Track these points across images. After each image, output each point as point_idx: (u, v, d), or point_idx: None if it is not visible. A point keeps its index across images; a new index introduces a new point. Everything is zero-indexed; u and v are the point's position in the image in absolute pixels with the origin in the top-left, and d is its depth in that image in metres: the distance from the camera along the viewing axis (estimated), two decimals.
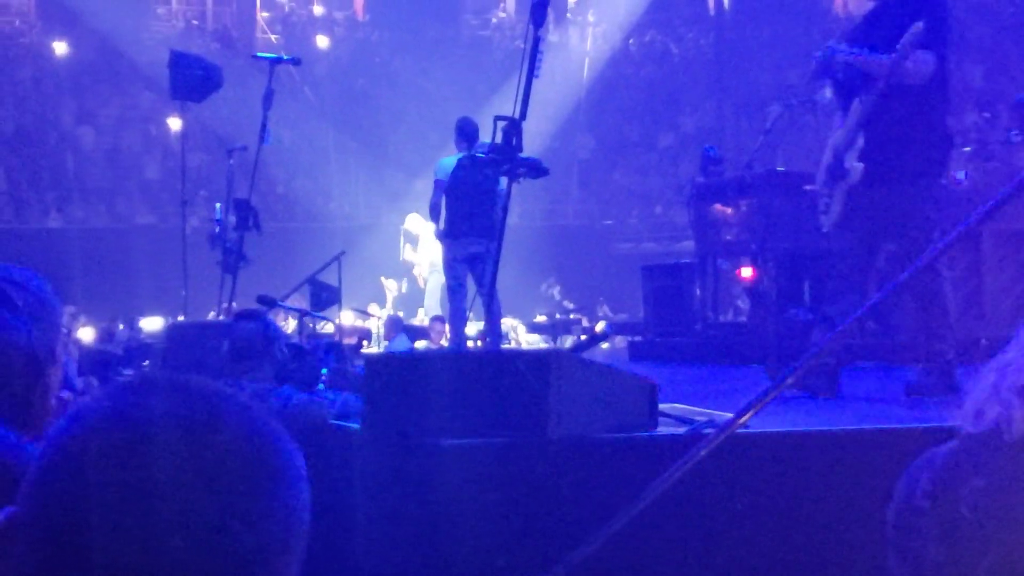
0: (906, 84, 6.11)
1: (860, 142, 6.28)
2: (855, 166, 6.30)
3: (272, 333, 6.42)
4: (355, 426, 4.87)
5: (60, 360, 2.01)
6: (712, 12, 26.70)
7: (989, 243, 9.40)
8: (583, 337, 15.50)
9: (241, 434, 1.13)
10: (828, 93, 6.71)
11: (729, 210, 11.05)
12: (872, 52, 6.22)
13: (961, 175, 10.87)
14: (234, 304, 9.36)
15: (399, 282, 20.44)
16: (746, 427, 3.69)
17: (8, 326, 1.92)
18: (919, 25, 5.93)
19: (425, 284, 18.97)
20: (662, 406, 4.61)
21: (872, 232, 6.42)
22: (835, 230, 6.57)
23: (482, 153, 8.36)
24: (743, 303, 14.25)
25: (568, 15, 29.01)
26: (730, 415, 3.87)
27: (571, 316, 19.92)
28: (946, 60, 6.20)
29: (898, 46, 5.99)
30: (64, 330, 2.52)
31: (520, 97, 5.64)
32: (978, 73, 22.89)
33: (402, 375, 4.43)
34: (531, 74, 5.60)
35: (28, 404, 1.86)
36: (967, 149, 11.40)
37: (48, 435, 1.13)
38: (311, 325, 11.12)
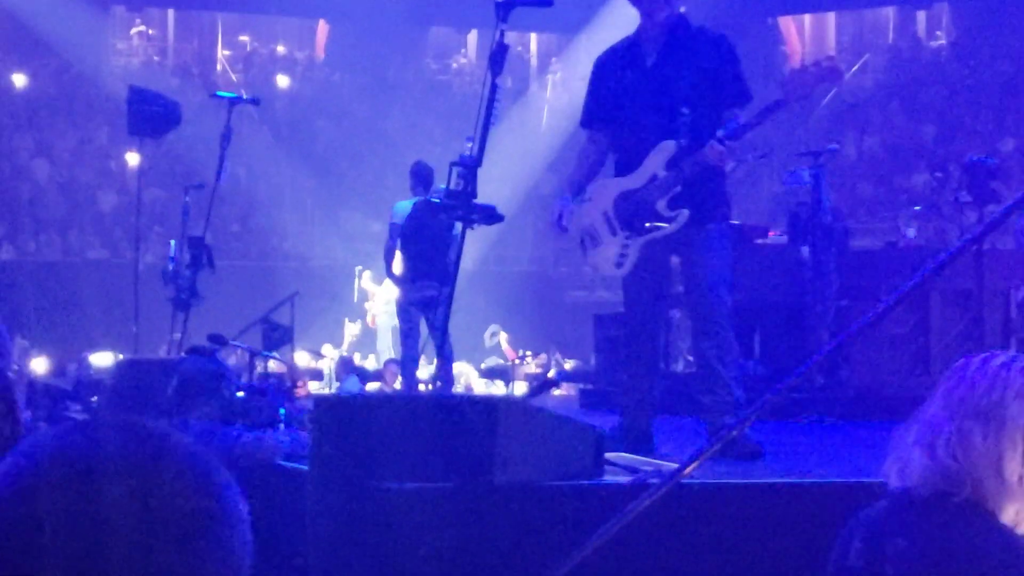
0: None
1: (677, 189, 5.87)
2: (681, 212, 5.89)
3: (221, 371, 6.40)
4: (304, 467, 4.87)
5: (16, 392, 1.97)
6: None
7: (936, 302, 9.50)
8: (534, 383, 15.51)
9: (185, 476, 1.16)
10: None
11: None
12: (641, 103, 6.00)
13: (911, 232, 11.02)
14: (185, 341, 9.33)
15: (356, 324, 20.42)
16: (691, 478, 3.73)
17: None
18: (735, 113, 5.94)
19: (376, 325, 18.98)
20: (609, 455, 4.65)
21: (663, 280, 6.13)
22: (628, 283, 6.12)
23: (437, 199, 8.40)
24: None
25: (531, 62, 29.19)
26: (676, 465, 3.91)
27: (523, 362, 19.92)
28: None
29: (724, 132, 5.84)
30: (14, 365, 2.50)
31: (476, 143, 5.69)
32: (929, 134, 23.18)
33: (351, 417, 4.44)
34: (487, 121, 5.64)
35: None
36: (917, 208, 11.58)
37: None
38: (261, 365, 11.08)
